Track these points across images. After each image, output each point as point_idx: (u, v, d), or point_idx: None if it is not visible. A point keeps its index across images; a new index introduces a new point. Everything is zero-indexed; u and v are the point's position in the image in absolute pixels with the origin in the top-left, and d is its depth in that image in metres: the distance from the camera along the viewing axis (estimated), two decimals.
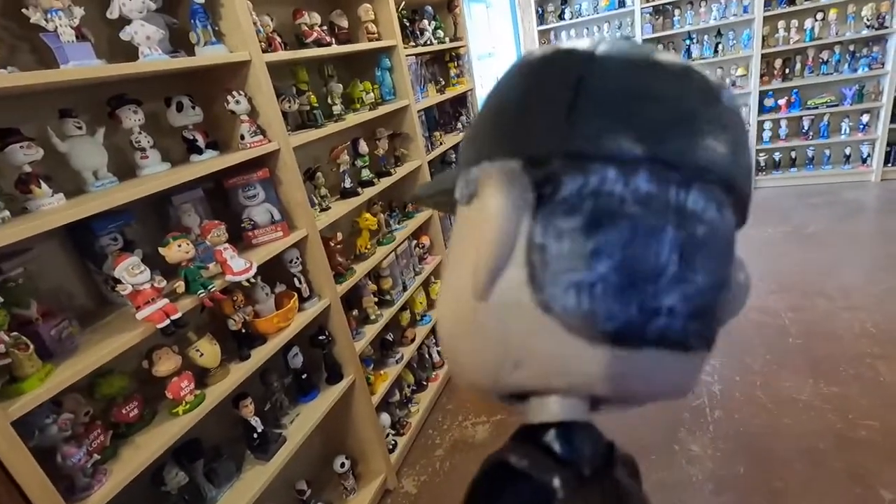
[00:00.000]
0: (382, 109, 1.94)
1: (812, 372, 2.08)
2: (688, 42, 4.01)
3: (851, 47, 3.67)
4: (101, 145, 1.06)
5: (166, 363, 1.09)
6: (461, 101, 2.84)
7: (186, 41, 1.22)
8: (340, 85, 1.74)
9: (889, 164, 3.79)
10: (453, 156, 2.63)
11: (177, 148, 1.29)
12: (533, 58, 0.23)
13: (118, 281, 0.99)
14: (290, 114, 1.53)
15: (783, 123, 3.97)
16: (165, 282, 1.07)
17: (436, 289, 2.35)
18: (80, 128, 1.02)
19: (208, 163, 1.23)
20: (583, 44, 0.22)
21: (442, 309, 0.22)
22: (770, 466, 1.70)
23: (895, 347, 2.12)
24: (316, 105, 1.59)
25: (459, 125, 2.75)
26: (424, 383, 2.29)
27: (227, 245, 1.22)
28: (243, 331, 1.30)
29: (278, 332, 1.40)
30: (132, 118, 1.11)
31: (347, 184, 1.75)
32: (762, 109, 3.96)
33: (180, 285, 1.10)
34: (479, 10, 6.82)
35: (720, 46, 3.94)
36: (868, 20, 3.53)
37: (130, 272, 0.98)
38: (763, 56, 3.82)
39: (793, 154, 4.07)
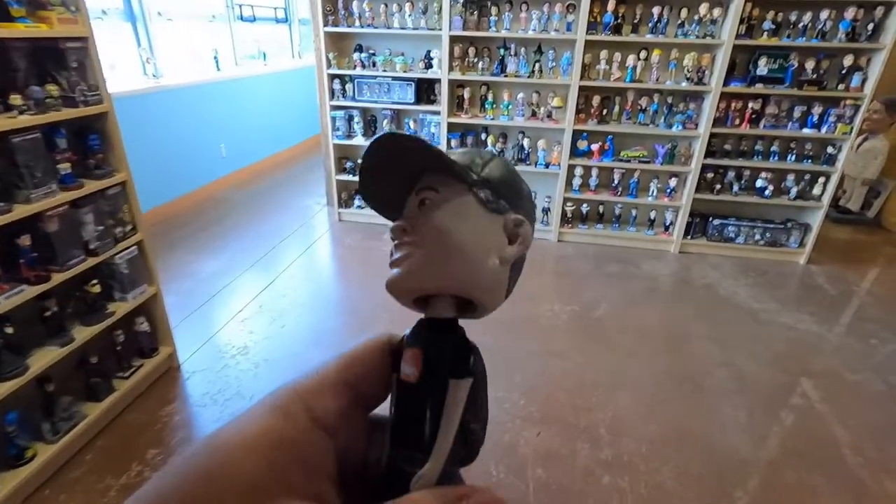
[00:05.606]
0: None
1: None
2: (502, 52, 3.19)
3: (670, 99, 3.18)
4: None
5: None
6: (54, 54, 1.53)
7: None
8: None
9: (688, 237, 3.44)
10: None
11: None
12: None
13: None
14: None
15: (594, 172, 3.40)
16: None
17: None
18: None
19: None
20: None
21: (449, 246, 0.21)
22: None
23: None
24: None
25: (31, 98, 1.43)
26: None
27: None
28: None
29: None
30: None
31: None
32: (574, 152, 3.34)
33: None
34: None
35: (538, 66, 3.20)
36: (688, 71, 3.05)
37: None
38: (581, 89, 3.16)
39: (601, 208, 3.53)
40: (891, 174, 3.99)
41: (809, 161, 3.14)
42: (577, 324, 2.60)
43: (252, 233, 3.60)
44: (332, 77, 3.43)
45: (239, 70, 4.89)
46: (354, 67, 3.37)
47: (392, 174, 0.22)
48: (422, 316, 0.22)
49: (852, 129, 2.96)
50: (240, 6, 5.03)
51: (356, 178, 3.69)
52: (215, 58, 4.51)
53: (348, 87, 3.45)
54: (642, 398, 2.08)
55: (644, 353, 2.40)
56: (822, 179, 3.16)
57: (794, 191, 3.20)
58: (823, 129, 3.02)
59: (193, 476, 0.18)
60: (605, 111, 3.27)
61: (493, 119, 3.34)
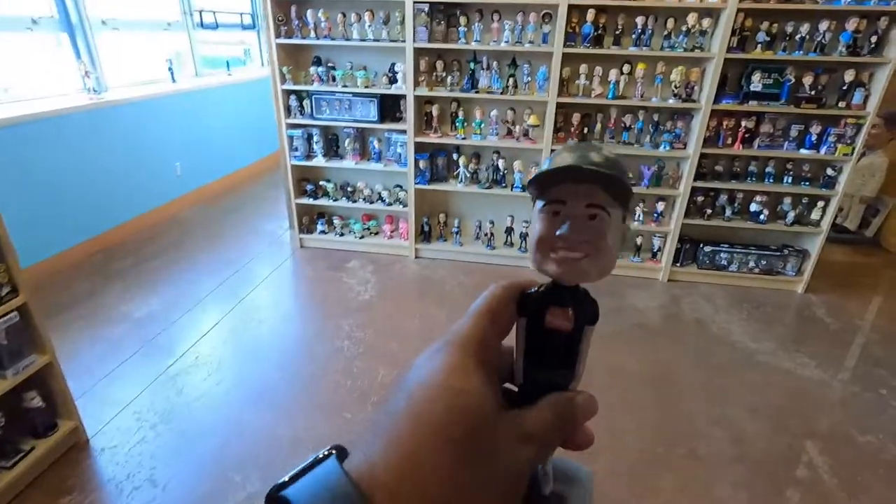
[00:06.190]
0: None
1: None
2: (472, 65, 2.90)
3: (656, 116, 2.92)
4: None
5: None
6: None
7: None
8: None
9: (678, 264, 3.17)
10: None
11: None
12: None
13: None
14: None
15: None
16: None
17: None
18: None
19: None
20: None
21: (611, 256, 0.26)
22: None
23: None
24: None
25: None
26: None
27: None
28: None
29: None
30: None
31: None
32: None
33: None
34: None
35: (513, 81, 2.91)
36: (676, 87, 2.78)
37: None
38: (560, 106, 2.89)
39: None
40: (890, 192, 3.76)
41: (807, 184, 2.89)
42: None
43: (204, 263, 3.28)
44: (288, 93, 3.12)
45: (198, 81, 4.56)
46: (312, 82, 3.07)
47: (566, 183, 0.26)
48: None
49: (854, 149, 2.72)
50: (199, 12, 4.70)
51: (318, 202, 3.40)
52: (170, 69, 4.18)
53: (306, 103, 3.15)
54: (627, 468, 1.80)
55: (629, 408, 2.12)
56: (821, 203, 2.91)
57: (790, 215, 2.95)
58: (822, 150, 2.77)
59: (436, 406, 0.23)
60: (586, 130, 3.00)
61: (464, 138, 3.06)
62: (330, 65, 3.09)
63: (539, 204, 0.26)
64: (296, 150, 3.25)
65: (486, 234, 3.32)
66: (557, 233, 0.26)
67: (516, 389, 0.29)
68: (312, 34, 2.96)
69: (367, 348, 2.46)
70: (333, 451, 0.23)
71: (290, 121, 3.17)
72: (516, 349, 0.28)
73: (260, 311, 2.79)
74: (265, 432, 1.91)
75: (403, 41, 2.83)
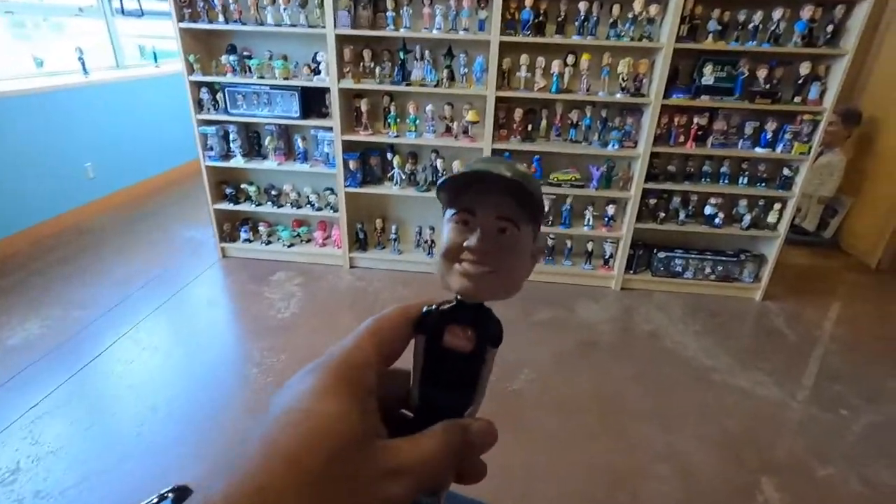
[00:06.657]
0: None
1: None
2: (403, 55, 2.61)
3: (604, 112, 2.69)
4: None
5: None
6: None
7: None
8: None
9: (631, 271, 2.95)
10: None
11: None
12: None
13: None
14: None
15: None
16: None
17: None
18: None
19: None
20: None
21: (519, 274, 0.26)
22: None
23: None
24: None
25: None
26: None
27: None
28: None
29: None
30: None
31: None
32: None
33: None
34: None
35: (449, 72, 2.63)
36: (623, 80, 2.55)
37: None
38: (500, 100, 2.63)
39: None
40: (848, 191, 3.65)
41: (763, 185, 2.70)
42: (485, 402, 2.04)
43: (106, 277, 2.90)
44: (199, 85, 2.77)
45: (117, 74, 4.14)
46: (224, 73, 2.72)
47: (478, 191, 0.25)
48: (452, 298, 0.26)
49: (810, 148, 2.54)
50: None
51: (239, 207, 3.06)
52: (80, 59, 3.75)
53: (220, 97, 2.80)
54: None
55: (567, 440, 1.87)
56: (777, 205, 2.73)
57: (747, 218, 2.76)
58: (778, 149, 2.58)
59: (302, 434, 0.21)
60: (530, 126, 2.75)
61: (397, 136, 2.76)
62: (246, 53, 2.75)
63: (449, 212, 0.26)
64: (210, 149, 2.90)
65: (426, 241, 3.04)
66: (465, 244, 0.25)
67: (411, 415, 0.28)
68: (221, 18, 2.61)
69: (278, 377, 2.15)
70: (170, 494, 0.22)
71: (202, 116, 2.81)
72: (413, 369, 0.27)
73: (158, 334, 2.44)
74: (126, 496, 1.57)
75: (324, 27, 2.52)
